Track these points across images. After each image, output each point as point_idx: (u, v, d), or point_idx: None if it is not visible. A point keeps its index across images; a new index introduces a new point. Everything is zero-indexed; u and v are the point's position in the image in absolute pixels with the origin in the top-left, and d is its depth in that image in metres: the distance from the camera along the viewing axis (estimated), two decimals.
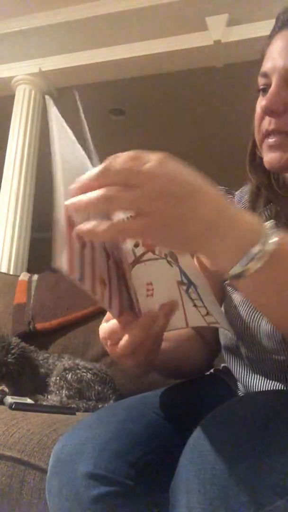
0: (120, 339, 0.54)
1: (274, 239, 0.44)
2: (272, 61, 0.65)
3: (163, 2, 3.02)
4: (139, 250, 0.54)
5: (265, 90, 0.66)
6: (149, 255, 0.55)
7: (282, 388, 0.68)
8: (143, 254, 0.54)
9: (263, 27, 2.74)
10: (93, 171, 0.42)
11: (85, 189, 0.42)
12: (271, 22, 0.70)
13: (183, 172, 0.43)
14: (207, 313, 0.60)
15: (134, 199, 0.41)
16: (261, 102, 0.66)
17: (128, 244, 0.53)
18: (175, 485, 0.47)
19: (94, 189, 0.42)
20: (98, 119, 4.33)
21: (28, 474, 0.76)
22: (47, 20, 3.29)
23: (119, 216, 0.45)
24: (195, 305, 0.59)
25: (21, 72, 3.62)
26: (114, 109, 4.25)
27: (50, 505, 0.58)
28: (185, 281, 0.56)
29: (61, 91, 3.76)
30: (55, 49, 3.49)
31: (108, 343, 0.56)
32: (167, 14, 3.08)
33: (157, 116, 4.28)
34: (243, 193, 0.79)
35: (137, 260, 0.54)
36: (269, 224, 0.46)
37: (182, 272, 0.56)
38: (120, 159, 0.42)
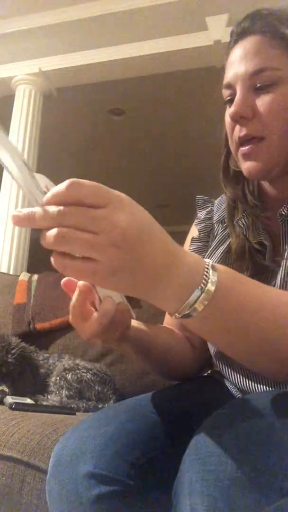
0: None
1: (214, 279, 0.46)
2: (233, 70, 0.68)
3: (163, 2, 3.02)
4: None
5: (231, 101, 0.68)
6: None
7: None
8: None
9: None
10: (49, 209, 0.41)
11: (37, 223, 0.42)
12: None
13: (137, 218, 0.43)
14: None
15: (89, 244, 0.41)
16: (230, 111, 0.67)
17: None
18: (178, 487, 0.47)
19: (51, 224, 0.41)
20: (98, 119, 4.33)
21: (28, 474, 0.76)
22: (47, 20, 3.29)
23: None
24: None
25: (21, 72, 3.63)
26: (114, 109, 4.25)
27: (50, 505, 0.58)
28: None
29: (61, 91, 3.77)
30: (55, 49, 3.49)
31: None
32: (167, 14, 3.08)
33: (157, 116, 4.28)
34: (222, 200, 0.81)
35: None
36: (209, 261, 0.48)
37: None
38: (81, 192, 0.41)
